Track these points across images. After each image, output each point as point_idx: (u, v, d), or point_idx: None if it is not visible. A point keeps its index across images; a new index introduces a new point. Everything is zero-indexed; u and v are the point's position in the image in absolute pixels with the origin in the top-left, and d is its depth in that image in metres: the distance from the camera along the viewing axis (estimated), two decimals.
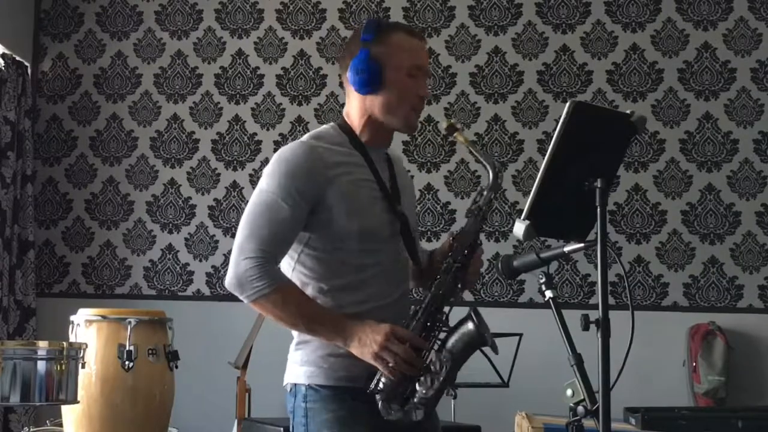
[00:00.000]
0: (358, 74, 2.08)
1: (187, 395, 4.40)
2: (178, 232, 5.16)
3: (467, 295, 4.70)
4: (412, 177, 4.18)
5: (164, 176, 5.20)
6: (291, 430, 2.15)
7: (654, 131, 4.98)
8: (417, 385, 1.98)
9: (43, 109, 5.33)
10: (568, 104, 1.80)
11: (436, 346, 2.02)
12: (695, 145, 4.97)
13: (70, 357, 3.37)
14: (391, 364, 1.95)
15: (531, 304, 4.85)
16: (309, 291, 2.08)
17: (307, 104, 5.17)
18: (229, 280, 2.04)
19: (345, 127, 2.15)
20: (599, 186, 1.81)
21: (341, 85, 5.29)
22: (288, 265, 2.11)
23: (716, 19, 5.03)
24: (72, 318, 3.86)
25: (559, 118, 1.80)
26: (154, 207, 5.19)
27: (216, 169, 5.18)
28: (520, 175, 5.02)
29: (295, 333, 2.14)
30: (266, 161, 5.12)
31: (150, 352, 3.79)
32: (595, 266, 1.77)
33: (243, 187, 5.14)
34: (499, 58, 5.12)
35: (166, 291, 5.11)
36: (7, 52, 5.03)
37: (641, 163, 4.98)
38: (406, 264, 2.15)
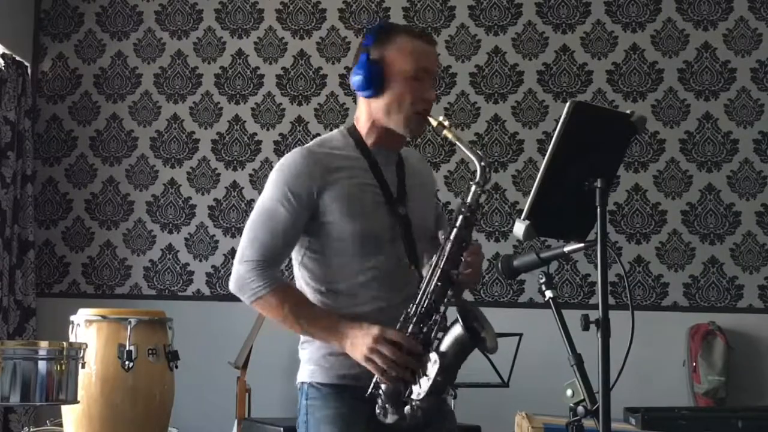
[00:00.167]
0: (357, 77, 2.11)
1: (187, 395, 4.39)
2: (178, 232, 5.16)
3: (467, 295, 4.69)
4: None
5: (164, 176, 5.20)
6: (297, 428, 2.17)
7: (654, 131, 4.98)
8: (412, 387, 1.98)
9: (43, 109, 5.33)
10: (568, 104, 1.80)
11: (433, 347, 2.01)
12: (695, 145, 4.97)
13: (70, 357, 3.37)
14: (380, 367, 1.97)
15: (531, 304, 4.85)
16: (311, 293, 2.12)
17: (307, 104, 5.17)
18: (231, 283, 2.13)
19: (352, 131, 2.18)
20: (599, 186, 1.80)
21: (341, 85, 5.33)
22: (295, 269, 2.17)
23: (716, 19, 5.03)
24: (72, 318, 3.87)
25: (559, 118, 1.80)
26: (154, 207, 5.19)
27: (216, 169, 5.18)
28: (520, 175, 5.02)
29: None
30: (266, 161, 5.14)
31: (150, 352, 3.79)
32: (595, 266, 1.77)
33: (243, 187, 5.14)
34: (499, 58, 5.12)
35: (166, 291, 5.12)
36: (7, 52, 5.03)
37: (641, 163, 4.98)
38: (408, 268, 2.13)
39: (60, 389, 3.32)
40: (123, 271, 5.16)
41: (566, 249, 1.87)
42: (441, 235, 2.07)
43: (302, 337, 2.17)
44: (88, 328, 3.79)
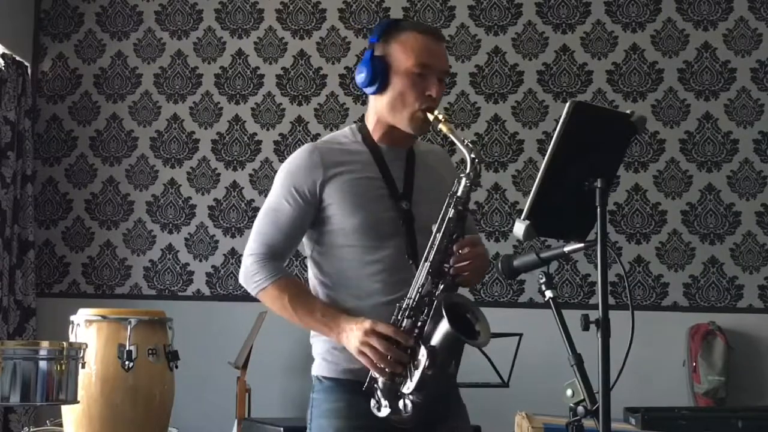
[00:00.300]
0: (360, 73, 2.13)
1: (187, 395, 4.40)
2: (178, 232, 5.16)
3: (466, 294, 4.69)
4: None
5: (164, 176, 5.20)
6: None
7: (654, 131, 4.98)
8: (404, 381, 1.98)
9: (43, 109, 5.33)
10: (568, 104, 1.80)
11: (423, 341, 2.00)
12: (695, 145, 4.97)
13: (70, 357, 3.37)
14: (371, 360, 1.98)
15: (531, 304, 4.85)
16: (320, 288, 2.16)
17: (307, 104, 5.17)
18: (239, 276, 2.21)
19: (362, 127, 2.21)
20: (599, 186, 1.80)
21: (341, 85, 5.32)
22: (308, 264, 2.22)
23: (716, 19, 5.03)
24: (72, 318, 3.87)
25: (559, 118, 1.80)
26: (154, 207, 5.19)
27: (216, 169, 5.18)
28: (520, 175, 5.02)
29: None
30: (266, 161, 5.14)
31: (150, 352, 3.79)
32: (595, 266, 1.77)
33: (243, 187, 5.14)
34: (499, 58, 5.12)
35: (166, 291, 5.12)
36: (7, 52, 5.03)
37: (641, 163, 4.98)
38: (407, 263, 2.12)
39: (60, 389, 3.32)
40: (123, 271, 5.16)
41: (566, 249, 1.87)
42: (433, 228, 2.05)
43: (311, 332, 2.20)
44: (88, 328, 3.79)
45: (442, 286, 2.01)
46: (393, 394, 1.99)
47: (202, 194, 5.17)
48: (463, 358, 2.13)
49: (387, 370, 1.97)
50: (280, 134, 5.16)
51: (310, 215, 2.12)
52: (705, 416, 4.03)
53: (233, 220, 5.11)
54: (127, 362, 3.70)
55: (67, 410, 3.74)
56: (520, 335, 3.96)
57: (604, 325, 1.73)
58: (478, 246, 2.06)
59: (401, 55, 2.10)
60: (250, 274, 2.14)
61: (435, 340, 1.96)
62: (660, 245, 4.92)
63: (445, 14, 5.18)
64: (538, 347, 4.04)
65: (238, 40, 5.27)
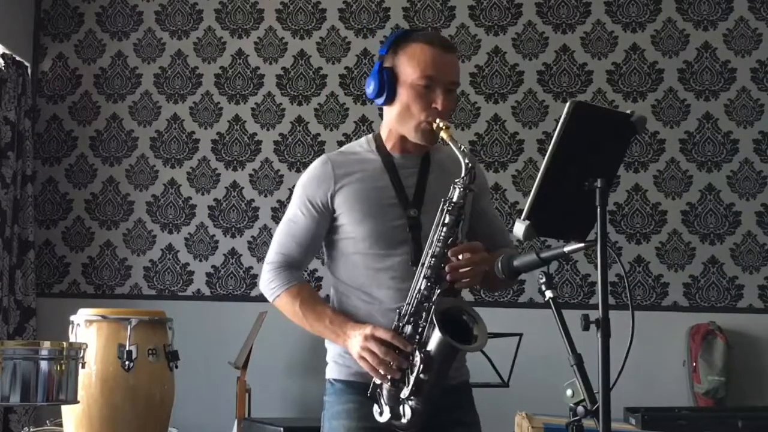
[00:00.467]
0: (369, 85, 2.19)
1: (187, 395, 4.40)
2: (178, 232, 5.16)
3: (466, 295, 4.69)
4: None
5: (164, 176, 5.20)
6: None
7: (654, 131, 4.98)
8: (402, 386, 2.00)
9: (43, 109, 5.33)
10: (568, 104, 1.80)
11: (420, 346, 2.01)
12: (695, 145, 4.97)
13: (70, 357, 3.37)
14: (370, 365, 2.02)
15: (531, 304, 4.85)
16: (337, 295, 2.21)
17: (307, 104, 5.17)
18: (260, 284, 2.30)
19: (376, 136, 2.25)
20: (599, 186, 1.80)
21: (341, 85, 5.32)
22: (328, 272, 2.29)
23: (716, 19, 5.03)
24: (72, 318, 3.86)
25: (559, 118, 1.80)
26: (154, 207, 5.19)
27: (216, 169, 5.18)
28: (520, 175, 5.02)
29: None
30: (266, 161, 5.14)
31: (150, 352, 3.79)
32: (595, 266, 1.76)
33: (243, 187, 5.14)
34: (499, 58, 5.12)
35: (166, 291, 5.12)
36: (7, 52, 5.03)
37: (641, 163, 4.98)
38: (412, 270, 2.13)
39: (60, 389, 3.32)
40: (123, 271, 5.16)
41: (566, 249, 1.86)
42: (432, 235, 2.07)
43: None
44: (88, 328, 3.79)
45: (438, 291, 2.02)
46: (395, 399, 2.01)
47: (202, 194, 5.17)
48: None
49: (385, 374, 2.00)
50: (280, 134, 5.16)
51: (324, 225, 2.19)
52: (705, 416, 4.03)
53: (233, 220, 5.11)
54: (127, 362, 3.70)
55: (67, 410, 3.74)
56: (520, 335, 3.97)
57: (604, 325, 1.72)
58: (479, 252, 2.06)
59: (407, 67, 2.13)
60: (266, 282, 2.23)
61: (431, 345, 1.98)
62: (660, 245, 4.92)
63: (445, 14, 5.17)
64: (538, 347, 4.04)
65: (238, 40, 5.27)
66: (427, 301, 2.02)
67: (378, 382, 2.03)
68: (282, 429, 3.81)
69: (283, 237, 2.22)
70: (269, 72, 5.22)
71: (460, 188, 2.06)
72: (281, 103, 5.19)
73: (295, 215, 2.20)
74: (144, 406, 3.76)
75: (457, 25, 5.15)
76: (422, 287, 2.03)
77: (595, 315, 1.74)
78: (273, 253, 2.23)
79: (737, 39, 5.01)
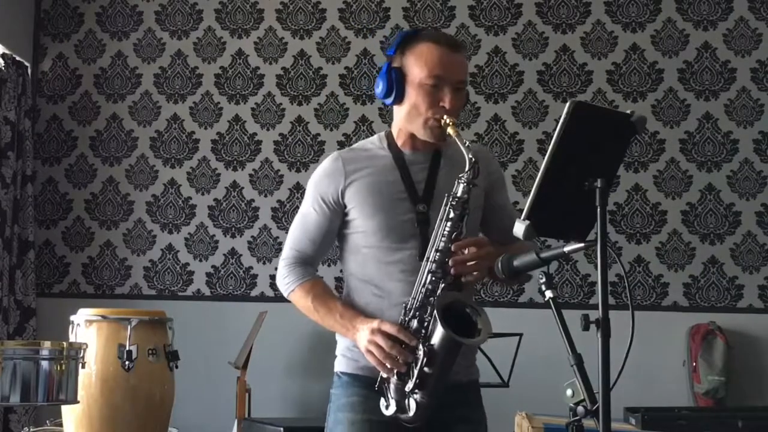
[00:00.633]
0: (378, 86, 2.20)
1: (187, 395, 4.39)
2: (178, 232, 5.16)
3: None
4: None
5: (164, 176, 5.20)
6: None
7: (654, 131, 4.98)
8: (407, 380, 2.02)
9: (43, 109, 5.33)
10: (568, 104, 1.80)
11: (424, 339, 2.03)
12: (695, 145, 4.97)
13: (70, 357, 3.37)
14: (376, 358, 2.04)
15: (531, 304, 4.85)
16: (348, 289, 2.25)
17: (307, 104, 5.17)
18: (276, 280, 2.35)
19: (388, 134, 2.28)
20: (599, 186, 1.80)
21: (341, 85, 5.32)
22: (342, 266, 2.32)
23: (716, 19, 5.03)
24: (72, 318, 3.86)
25: (559, 118, 1.80)
26: (154, 207, 5.19)
27: (216, 169, 5.18)
28: (520, 175, 5.02)
29: None
30: (266, 161, 5.14)
31: (150, 352, 3.79)
32: (595, 266, 1.76)
33: (243, 187, 5.14)
34: (499, 58, 5.12)
35: (166, 291, 5.12)
36: (7, 52, 5.03)
37: (641, 163, 4.98)
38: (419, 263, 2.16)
39: (60, 389, 3.32)
40: (123, 271, 5.16)
41: (566, 249, 1.86)
42: (436, 230, 2.09)
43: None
44: (88, 328, 3.79)
45: (443, 285, 2.04)
46: (401, 393, 2.03)
47: (202, 194, 5.17)
48: None
49: (391, 368, 2.03)
50: (280, 134, 5.16)
51: (336, 221, 2.23)
52: (705, 416, 4.03)
53: (233, 220, 5.10)
54: (127, 362, 3.70)
55: (67, 410, 3.74)
56: (520, 335, 3.97)
57: (604, 325, 1.72)
58: (484, 247, 2.08)
59: (415, 66, 2.16)
60: (281, 277, 2.28)
61: (434, 339, 2.00)
62: (660, 245, 4.92)
63: (445, 14, 5.18)
64: (538, 347, 4.04)
65: (238, 40, 5.27)
66: (432, 296, 2.04)
67: (385, 376, 2.05)
68: (282, 429, 3.81)
69: (296, 233, 2.27)
70: (269, 72, 5.22)
71: (463, 183, 2.08)
72: (281, 103, 5.19)
73: (308, 212, 2.24)
74: (144, 406, 3.76)
75: (457, 25, 5.15)
76: (427, 281, 2.05)
77: (595, 315, 1.74)
78: (287, 249, 2.28)
79: (737, 39, 5.01)
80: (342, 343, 2.25)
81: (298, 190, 5.01)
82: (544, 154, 1.82)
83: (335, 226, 2.24)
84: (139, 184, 5.21)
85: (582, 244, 1.85)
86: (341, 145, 5.04)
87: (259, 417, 4.25)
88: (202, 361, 4.75)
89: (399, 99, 2.18)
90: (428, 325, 2.02)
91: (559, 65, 5.09)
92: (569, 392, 1.79)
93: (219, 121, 5.21)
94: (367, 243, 2.18)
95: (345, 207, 2.20)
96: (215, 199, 5.15)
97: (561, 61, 5.09)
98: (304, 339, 4.77)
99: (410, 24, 5.15)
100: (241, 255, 5.07)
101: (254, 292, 5.01)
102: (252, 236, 5.05)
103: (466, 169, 2.08)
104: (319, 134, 5.12)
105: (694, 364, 4.66)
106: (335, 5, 5.23)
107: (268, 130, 5.17)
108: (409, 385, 2.01)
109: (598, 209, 1.80)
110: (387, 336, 2.03)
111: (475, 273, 2.07)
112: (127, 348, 3.71)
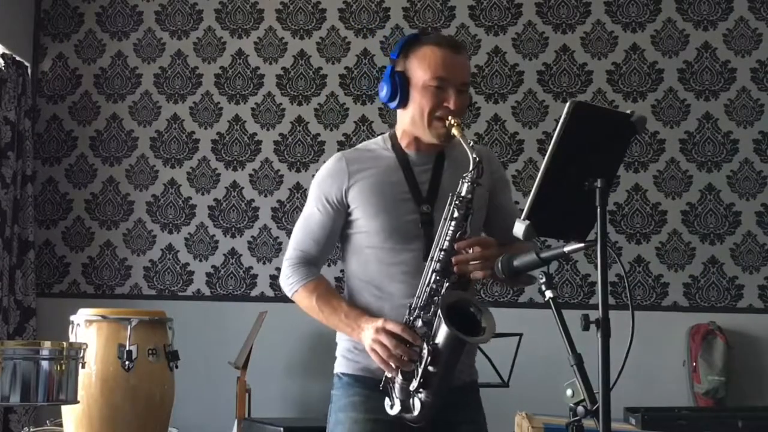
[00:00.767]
0: (382, 89, 2.21)
1: (187, 395, 4.40)
2: (178, 232, 5.16)
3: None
4: None
5: (164, 176, 5.20)
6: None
7: (654, 131, 4.98)
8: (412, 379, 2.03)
9: (43, 109, 5.33)
10: (568, 104, 1.80)
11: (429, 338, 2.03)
12: (695, 145, 4.97)
13: (70, 357, 3.37)
14: (381, 357, 2.05)
15: (531, 304, 4.85)
16: (350, 289, 2.26)
17: (307, 104, 5.17)
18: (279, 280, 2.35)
19: (392, 135, 2.29)
20: (599, 186, 1.80)
21: (341, 85, 5.32)
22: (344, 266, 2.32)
23: (716, 19, 5.03)
24: (72, 318, 3.86)
25: (559, 118, 1.80)
26: (154, 207, 5.19)
27: (216, 169, 5.18)
28: (520, 175, 5.02)
29: None
30: (266, 161, 5.14)
31: (150, 352, 3.79)
32: (595, 266, 1.76)
33: (243, 187, 5.14)
34: (499, 58, 5.12)
35: (166, 291, 5.12)
36: (7, 52, 5.03)
37: (641, 163, 4.98)
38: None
39: (60, 389, 3.32)
40: (123, 271, 5.16)
41: (566, 249, 1.86)
42: (440, 229, 2.10)
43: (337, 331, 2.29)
44: (88, 328, 3.79)
45: (447, 285, 2.05)
46: (405, 392, 2.04)
47: (202, 194, 5.17)
48: None
49: (395, 367, 2.03)
50: (280, 134, 5.16)
51: (339, 221, 2.23)
52: (705, 416, 4.03)
53: (233, 220, 5.10)
54: (127, 362, 3.70)
55: (67, 410, 3.74)
56: (520, 335, 3.96)
57: (604, 325, 1.72)
58: (490, 247, 2.09)
59: (419, 69, 2.17)
60: (285, 278, 2.28)
61: (438, 338, 2.00)
62: (660, 245, 4.92)
63: (445, 14, 5.17)
64: (538, 347, 4.04)
65: (238, 40, 5.27)
66: (436, 295, 2.05)
67: (389, 375, 2.06)
68: (282, 429, 3.81)
69: (300, 234, 2.28)
70: (269, 72, 5.22)
71: (467, 183, 2.09)
72: (281, 103, 5.19)
73: (311, 212, 2.25)
74: (144, 406, 3.76)
75: (457, 25, 5.15)
76: (431, 281, 2.06)
77: (595, 315, 1.74)
78: (291, 250, 2.28)
79: (737, 39, 5.01)
80: (342, 345, 2.25)
81: (298, 190, 5.01)
82: (544, 154, 1.82)
83: (338, 227, 2.24)
84: (139, 184, 5.21)
85: (582, 244, 1.85)
86: (341, 145, 5.04)
87: (259, 417, 4.25)
88: (202, 361, 4.75)
89: (403, 102, 2.19)
90: (433, 324, 2.03)
91: (559, 65, 5.09)
92: (569, 392, 1.79)
93: (219, 121, 5.21)
94: (369, 243, 2.19)
95: (348, 207, 2.21)
96: (215, 199, 5.15)
97: (561, 61, 5.09)
98: (304, 339, 4.77)
99: (410, 24, 5.15)
100: (241, 255, 5.07)
101: (254, 292, 5.01)
102: (252, 236, 5.05)
103: (470, 168, 2.09)
104: (319, 134, 5.12)
105: (694, 364, 4.65)
106: (335, 5, 5.23)
107: (268, 130, 5.17)
108: (414, 385, 2.01)
109: (598, 209, 1.80)
110: (392, 335, 2.04)
111: (479, 273, 2.06)
112: (127, 348, 3.71)
